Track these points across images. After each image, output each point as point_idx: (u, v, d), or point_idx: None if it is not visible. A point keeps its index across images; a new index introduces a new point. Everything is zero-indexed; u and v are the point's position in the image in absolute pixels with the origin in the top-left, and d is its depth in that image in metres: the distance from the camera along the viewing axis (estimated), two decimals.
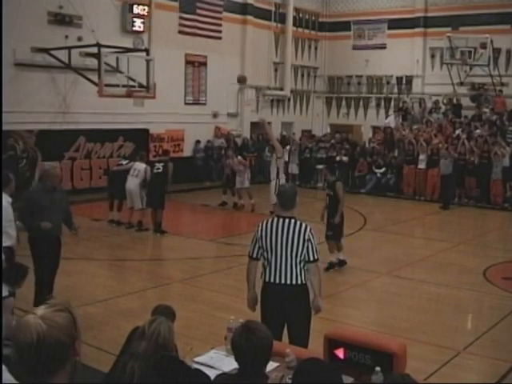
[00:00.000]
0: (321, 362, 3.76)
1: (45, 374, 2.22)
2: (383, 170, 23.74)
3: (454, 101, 26.35)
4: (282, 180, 15.38)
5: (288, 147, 24.70)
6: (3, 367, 2.49)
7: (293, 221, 6.18)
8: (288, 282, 6.15)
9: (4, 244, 7.78)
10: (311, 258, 6.14)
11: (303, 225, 6.19)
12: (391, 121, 26.84)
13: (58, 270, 8.85)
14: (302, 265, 6.14)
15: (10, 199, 8.12)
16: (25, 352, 2.18)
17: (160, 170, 15.43)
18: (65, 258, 12.42)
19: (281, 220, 6.20)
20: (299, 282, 6.15)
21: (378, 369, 4.53)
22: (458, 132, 23.55)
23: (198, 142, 24.67)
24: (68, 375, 2.29)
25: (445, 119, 25.48)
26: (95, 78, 18.19)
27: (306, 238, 6.10)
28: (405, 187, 23.05)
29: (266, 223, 6.28)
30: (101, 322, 8.14)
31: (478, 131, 23.33)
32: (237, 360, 3.76)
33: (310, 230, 6.18)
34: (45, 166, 8.98)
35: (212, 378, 4.49)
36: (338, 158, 24.61)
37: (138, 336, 4.16)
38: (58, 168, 9.25)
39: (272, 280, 6.23)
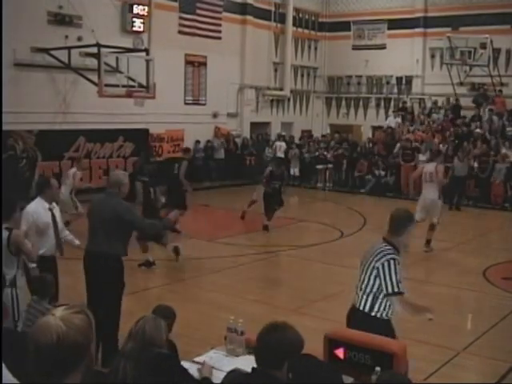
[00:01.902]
0: (319, 361, 3.73)
1: (60, 374, 2.24)
2: (383, 173, 23.80)
3: (454, 101, 26.31)
4: None
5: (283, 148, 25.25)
6: (3, 366, 2.49)
7: (382, 245, 5.76)
8: (357, 305, 5.91)
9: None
10: (384, 291, 5.72)
11: (383, 251, 5.70)
12: (391, 121, 26.87)
13: (59, 269, 8.76)
14: (372, 294, 5.76)
15: (46, 205, 7.78)
16: (43, 352, 2.20)
17: (176, 172, 15.32)
18: (65, 257, 12.43)
19: (377, 242, 5.84)
20: (366, 309, 5.81)
21: (378, 369, 4.52)
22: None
23: (197, 142, 24.67)
24: (81, 376, 2.30)
25: (444, 119, 25.47)
26: (95, 78, 18.19)
27: (376, 265, 5.66)
28: (404, 186, 23.03)
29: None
30: None
31: (477, 130, 23.37)
32: (257, 355, 3.69)
33: (390, 259, 5.65)
34: (119, 175, 7.76)
35: (212, 378, 4.50)
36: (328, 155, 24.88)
37: (127, 336, 4.22)
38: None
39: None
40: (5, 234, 6.73)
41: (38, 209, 7.73)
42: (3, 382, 2.44)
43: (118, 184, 7.42)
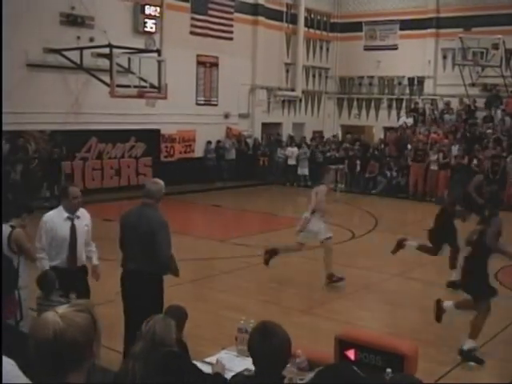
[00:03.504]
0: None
1: (60, 372, 2.24)
2: (395, 174, 23.73)
3: (467, 102, 26.20)
4: None
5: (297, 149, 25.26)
6: (14, 364, 2.50)
7: None
8: None
9: (51, 263, 7.05)
10: None
11: None
12: (403, 121, 26.80)
13: None
14: None
15: (65, 215, 7.08)
16: (41, 348, 2.21)
17: None
18: None
19: None
20: None
21: (389, 370, 4.52)
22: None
23: (209, 142, 24.70)
24: (84, 376, 2.30)
25: (458, 120, 25.37)
26: (107, 79, 18.25)
27: None
28: (412, 186, 22.91)
29: None
30: (112, 322, 8.16)
31: (489, 131, 23.30)
32: (253, 361, 3.71)
33: None
34: (159, 185, 7.08)
35: (224, 375, 4.51)
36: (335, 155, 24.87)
37: (137, 337, 4.24)
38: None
39: None
40: (7, 230, 6.75)
41: (54, 218, 7.13)
42: (16, 381, 2.44)
43: (158, 194, 6.86)
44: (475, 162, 21.65)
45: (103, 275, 8.73)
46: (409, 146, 23.99)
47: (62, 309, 2.28)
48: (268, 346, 3.58)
